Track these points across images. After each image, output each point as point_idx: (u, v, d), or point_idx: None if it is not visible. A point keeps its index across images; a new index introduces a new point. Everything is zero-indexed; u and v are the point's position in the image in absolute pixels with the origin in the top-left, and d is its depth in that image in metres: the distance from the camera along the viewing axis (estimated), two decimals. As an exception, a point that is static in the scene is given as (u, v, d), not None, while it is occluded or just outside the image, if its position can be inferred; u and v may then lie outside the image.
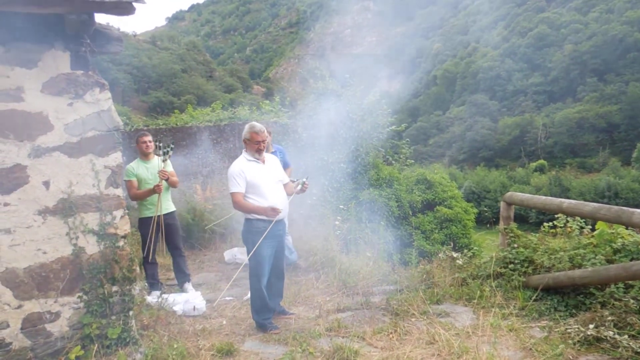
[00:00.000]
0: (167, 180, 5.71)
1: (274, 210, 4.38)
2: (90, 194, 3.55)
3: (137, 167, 5.79)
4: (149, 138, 5.90)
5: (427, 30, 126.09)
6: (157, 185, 5.59)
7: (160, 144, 5.78)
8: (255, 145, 4.51)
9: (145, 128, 9.64)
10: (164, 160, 5.74)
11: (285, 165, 6.67)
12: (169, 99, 74.48)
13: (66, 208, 3.43)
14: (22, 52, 3.26)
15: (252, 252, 4.47)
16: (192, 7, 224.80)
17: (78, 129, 3.48)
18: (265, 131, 4.63)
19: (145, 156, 5.87)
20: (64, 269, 3.45)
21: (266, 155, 4.71)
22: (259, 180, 4.46)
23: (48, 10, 3.00)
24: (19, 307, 3.30)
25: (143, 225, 5.83)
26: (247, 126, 4.60)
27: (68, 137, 3.44)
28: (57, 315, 3.45)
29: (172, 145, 5.87)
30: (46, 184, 3.36)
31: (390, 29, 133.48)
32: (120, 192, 3.71)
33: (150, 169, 5.81)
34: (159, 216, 5.76)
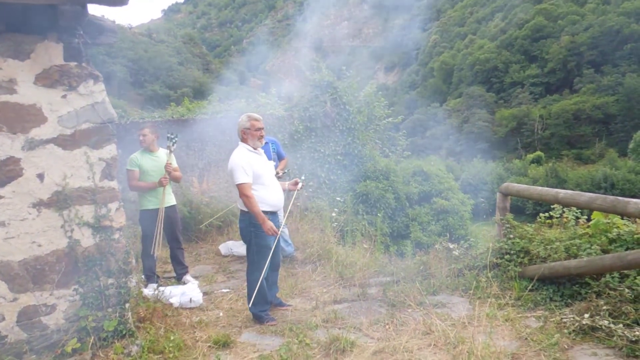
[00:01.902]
0: (169, 174, 5.72)
1: (275, 233, 4.40)
2: (85, 187, 3.54)
3: (141, 157, 5.76)
4: (144, 131, 5.83)
5: (424, 22, 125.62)
6: (164, 178, 5.62)
7: (172, 135, 5.73)
8: (257, 133, 4.53)
9: (141, 120, 9.58)
10: (170, 152, 5.73)
11: (280, 157, 6.68)
12: (165, 92, 74.13)
13: (61, 200, 3.42)
14: (15, 43, 3.23)
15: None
16: (188, 0, 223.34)
17: (72, 121, 3.46)
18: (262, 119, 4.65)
19: (148, 148, 5.84)
20: (59, 261, 3.44)
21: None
22: (262, 171, 4.48)
23: (41, 1, 2.97)
24: (15, 300, 3.29)
25: (143, 217, 5.83)
26: (243, 117, 4.58)
27: (62, 129, 3.42)
28: (53, 308, 3.45)
29: (176, 137, 5.82)
30: (40, 176, 3.35)
31: (387, 21, 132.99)
32: (115, 184, 3.70)
33: (155, 160, 5.79)
34: (164, 208, 5.79)
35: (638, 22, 74.70)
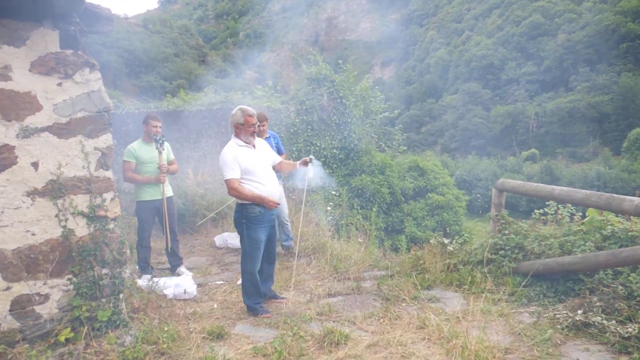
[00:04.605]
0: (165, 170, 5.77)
1: (275, 205, 4.44)
2: (80, 176, 3.51)
3: (139, 148, 5.74)
4: (159, 122, 5.88)
5: (422, 17, 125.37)
6: (162, 176, 5.71)
7: (158, 137, 5.77)
8: (250, 129, 4.48)
9: (136, 111, 9.53)
10: (160, 153, 5.74)
11: (279, 152, 6.64)
12: (161, 83, 73.57)
13: (55, 189, 3.39)
14: (10, 30, 3.19)
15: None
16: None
17: (67, 109, 3.43)
18: (256, 114, 4.61)
19: (150, 139, 5.83)
20: (53, 250, 3.41)
21: (257, 139, 4.69)
22: (253, 165, 4.45)
23: (36, -14, 2.93)
24: (8, 289, 3.27)
25: (140, 208, 5.82)
26: (238, 111, 4.51)
27: (57, 117, 3.39)
28: (47, 297, 3.42)
29: (163, 138, 5.85)
30: (35, 165, 3.31)
31: (385, 16, 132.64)
32: (110, 174, 3.67)
33: (154, 151, 5.78)
34: (161, 200, 5.82)
35: (634, 21, 74.92)
